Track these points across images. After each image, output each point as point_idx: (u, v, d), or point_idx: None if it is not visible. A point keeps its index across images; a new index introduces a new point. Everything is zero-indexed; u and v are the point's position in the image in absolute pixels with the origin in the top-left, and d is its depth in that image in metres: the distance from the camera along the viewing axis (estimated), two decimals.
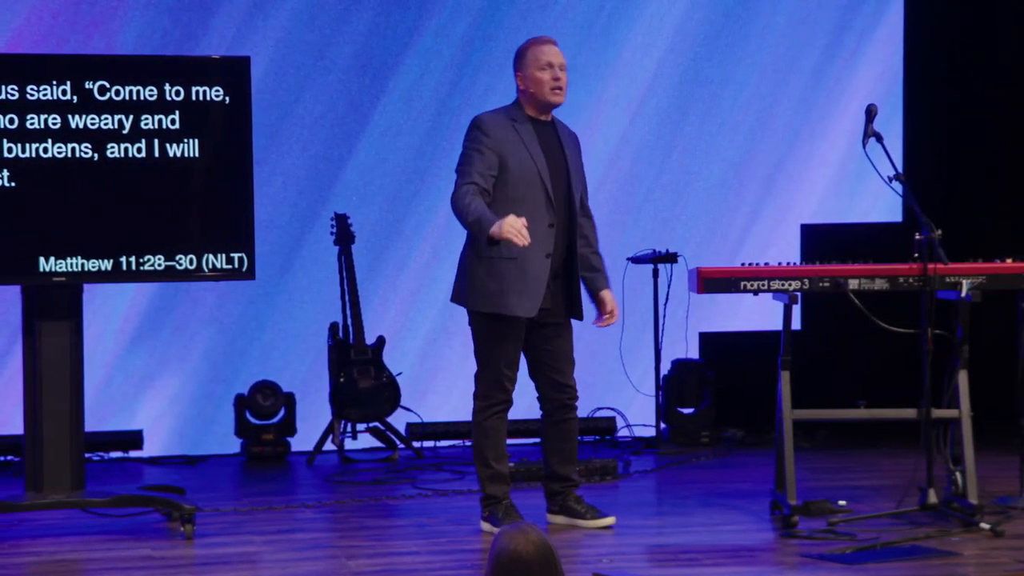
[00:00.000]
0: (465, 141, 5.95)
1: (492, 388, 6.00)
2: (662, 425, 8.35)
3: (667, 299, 8.23)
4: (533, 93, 5.97)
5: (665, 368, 8.38)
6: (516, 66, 6.05)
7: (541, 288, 5.91)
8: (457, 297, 6.04)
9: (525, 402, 8.59)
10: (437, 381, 8.39)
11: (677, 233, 8.58)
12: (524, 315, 5.90)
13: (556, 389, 6.07)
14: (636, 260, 8.28)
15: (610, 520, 6.07)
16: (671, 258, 8.22)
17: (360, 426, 8.02)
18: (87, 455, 6.27)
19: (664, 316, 8.23)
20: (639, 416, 8.47)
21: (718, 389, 8.43)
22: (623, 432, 8.48)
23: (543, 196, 5.90)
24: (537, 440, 8.24)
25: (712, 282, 6.12)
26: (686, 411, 8.43)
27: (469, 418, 8.29)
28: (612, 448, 8.28)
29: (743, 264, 6.17)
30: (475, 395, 6.08)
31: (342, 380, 7.90)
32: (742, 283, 6.11)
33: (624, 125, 8.68)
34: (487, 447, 6.04)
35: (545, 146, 5.98)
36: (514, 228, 5.58)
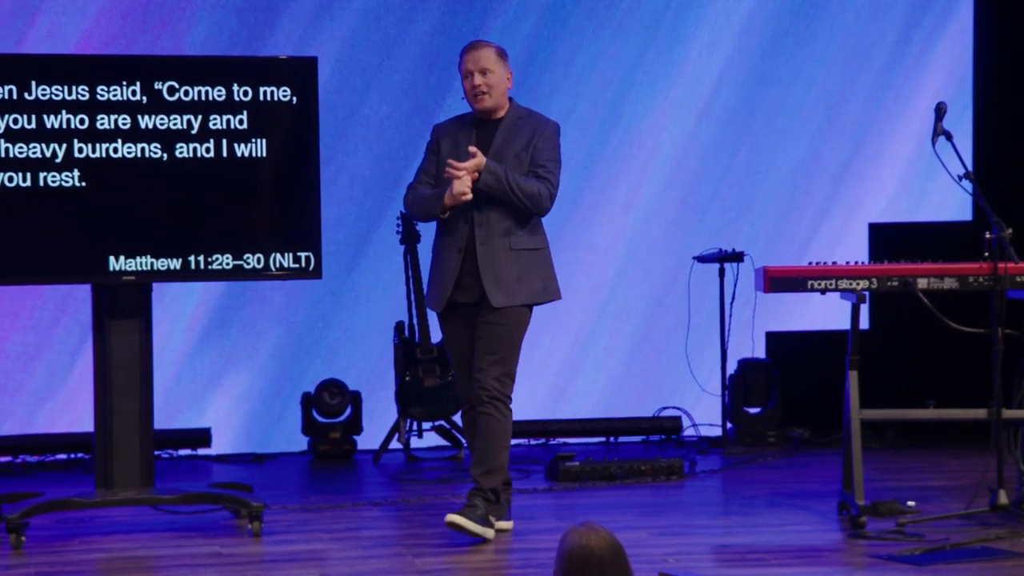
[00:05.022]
0: None
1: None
2: (728, 425, 8.31)
3: (733, 298, 8.20)
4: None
5: (731, 367, 8.35)
6: None
7: (451, 281, 5.92)
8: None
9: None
10: None
11: (743, 232, 8.55)
12: (433, 309, 6.03)
13: (475, 383, 5.99)
14: (702, 259, 8.25)
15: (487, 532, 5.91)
16: (737, 257, 8.18)
17: (426, 424, 8.04)
18: (156, 453, 6.32)
19: (730, 315, 8.20)
20: (705, 416, 8.44)
21: (785, 389, 8.38)
22: (689, 432, 8.45)
23: None
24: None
25: (779, 281, 6.09)
26: (752, 411, 8.39)
27: (533, 417, 8.36)
28: (678, 447, 8.26)
29: (810, 263, 6.14)
30: None
31: (407, 379, 7.92)
32: (809, 282, 6.07)
33: (691, 124, 8.64)
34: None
35: (479, 140, 5.98)
36: (456, 175, 5.79)
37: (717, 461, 7.86)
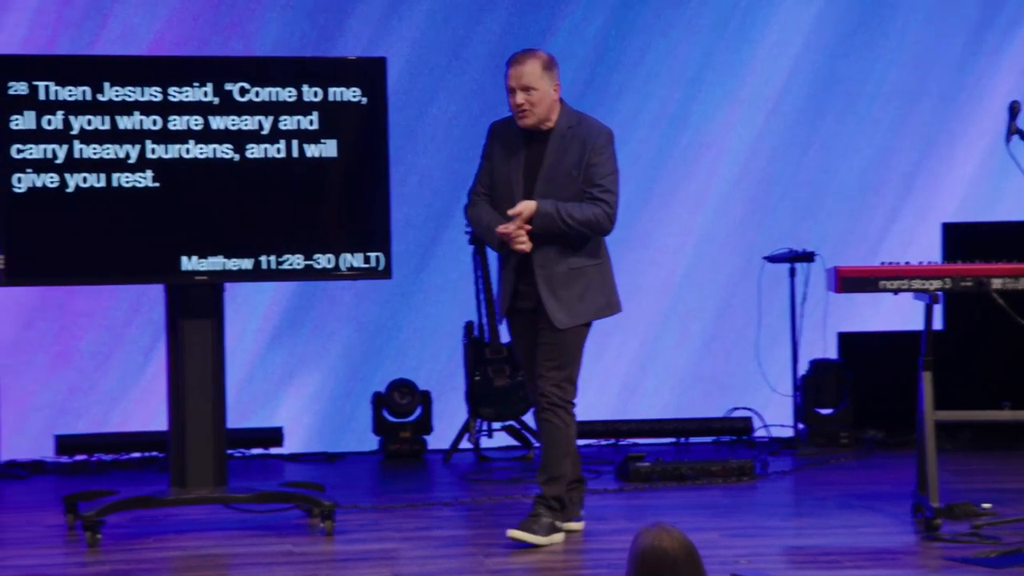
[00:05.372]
0: None
1: None
2: (800, 425, 8.26)
3: (804, 298, 8.15)
4: None
5: (802, 368, 8.30)
6: None
7: (509, 289, 5.90)
8: None
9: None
10: None
11: (814, 232, 8.49)
12: (500, 315, 5.98)
13: (537, 389, 5.95)
14: (772, 259, 8.21)
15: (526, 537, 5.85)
16: (808, 257, 8.13)
17: (496, 424, 8.05)
18: (229, 452, 6.36)
19: (801, 316, 8.15)
20: (776, 416, 8.39)
21: (857, 389, 8.32)
22: (760, 432, 8.41)
23: (511, 204, 5.84)
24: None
25: (851, 281, 6.04)
26: (824, 412, 8.33)
27: (603, 417, 8.35)
28: (749, 448, 8.22)
29: (882, 263, 6.08)
30: None
31: (477, 379, 7.92)
32: (881, 283, 6.02)
33: (760, 124, 8.60)
34: None
35: (529, 161, 5.89)
36: (509, 237, 5.76)
37: (789, 462, 7.81)
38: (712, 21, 8.54)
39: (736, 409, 8.41)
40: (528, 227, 5.78)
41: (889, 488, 6.90)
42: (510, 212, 5.78)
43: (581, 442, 8.28)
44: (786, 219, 8.57)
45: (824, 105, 8.63)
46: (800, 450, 8.07)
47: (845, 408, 8.30)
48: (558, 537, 5.83)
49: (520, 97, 5.79)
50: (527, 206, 5.76)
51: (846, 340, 8.55)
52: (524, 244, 5.79)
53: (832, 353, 8.46)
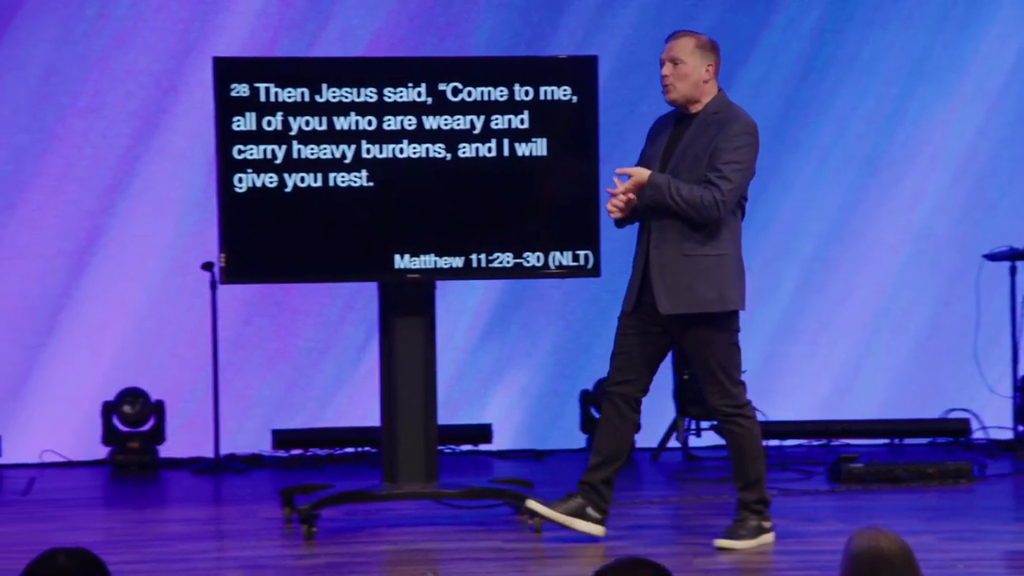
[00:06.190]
0: None
1: None
2: (1020, 428, 8.04)
3: None
4: None
5: (1023, 369, 8.08)
6: None
7: (636, 283, 5.78)
8: None
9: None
10: (782, 380, 8.29)
11: None
12: (625, 310, 5.84)
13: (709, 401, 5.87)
14: (992, 257, 8.01)
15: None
16: None
17: (704, 424, 8.00)
18: (439, 448, 6.44)
19: (1022, 315, 7.94)
20: (995, 418, 8.18)
21: None
22: (978, 434, 8.21)
23: None
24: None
25: None
26: None
27: (814, 417, 8.23)
28: (966, 450, 8.02)
29: None
30: None
31: (686, 377, 7.89)
32: None
33: (980, 119, 8.39)
34: None
35: (670, 141, 5.79)
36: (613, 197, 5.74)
37: (1008, 465, 7.60)
38: (932, 14, 8.35)
39: (953, 410, 8.23)
40: (631, 195, 5.70)
41: None
42: (619, 171, 5.73)
43: (791, 442, 8.21)
44: (1007, 216, 8.34)
45: None
46: (1020, 453, 7.85)
47: None
48: (767, 538, 5.77)
49: (667, 68, 5.71)
50: (639, 172, 5.69)
51: None
52: (613, 209, 5.72)
53: None
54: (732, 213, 5.71)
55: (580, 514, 5.77)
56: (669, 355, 7.91)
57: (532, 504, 5.80)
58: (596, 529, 5.78)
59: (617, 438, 5.84)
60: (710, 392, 5.76)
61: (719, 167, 5.61)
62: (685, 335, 5.73)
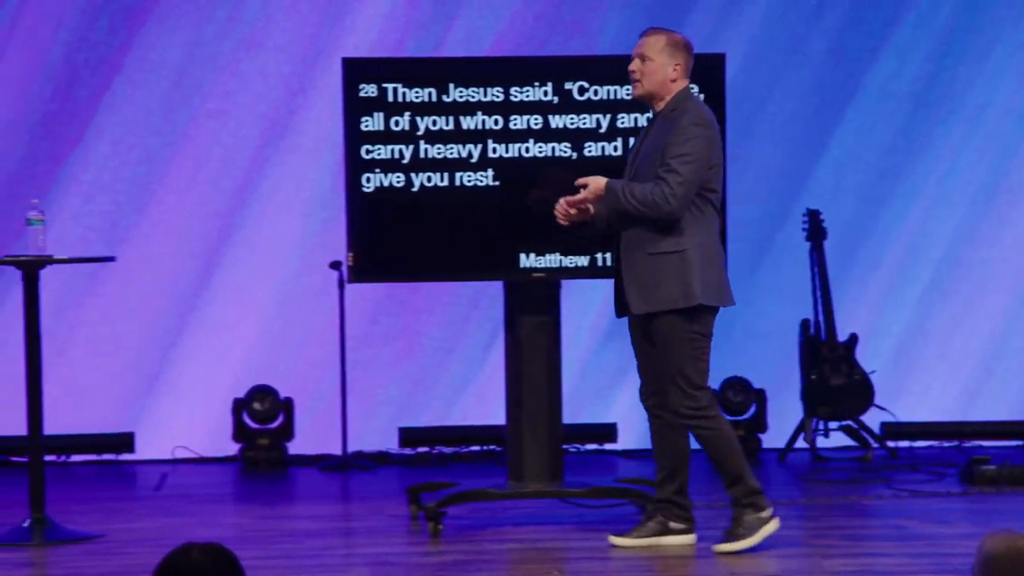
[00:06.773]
0: None
1: None
2: None
3: None
4: None
5: None
6: None
7: (616, 287, 5.79)
8: None
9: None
10: (912, 380, 8.19)
11: None
12: (617, 315, 5.86)
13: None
14: None
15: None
16: None
17: (832, 424, 7.92)
18: (564, 446, 6.45)
19: None
20: None
21: None
22: None
23: None
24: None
25: None
26: None
27: (945, 418, 8.11)
28: None
29: None
30: None
31: (814, 377, 7.82)
32: None
33: None
34: None
35: (638, 140, 5.80)
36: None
37: None
38: None
39: None
40: (586, 201, 5.68)
41: None
42: (578, 182, 5.72)
43: (922, 443, 8.10)
44: None
45: None
46: None
47: None
48: (769, 528, 5.70)
49: (635, 64, 5.71)
50: (595, 180, 5.67)
51: None
52: (560, 217, 5.73)
53: None
54: (696, 206, 5.63)
55: (664, 532, 5.79)
56: (796, 355, 7.92)
57: (615, 540, 5.80)
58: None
59: (672, 449, 5.84)
60: (668, 391, 5.72)
61: (668, 161, 5.58)
62: (655, 334, 5.71)
